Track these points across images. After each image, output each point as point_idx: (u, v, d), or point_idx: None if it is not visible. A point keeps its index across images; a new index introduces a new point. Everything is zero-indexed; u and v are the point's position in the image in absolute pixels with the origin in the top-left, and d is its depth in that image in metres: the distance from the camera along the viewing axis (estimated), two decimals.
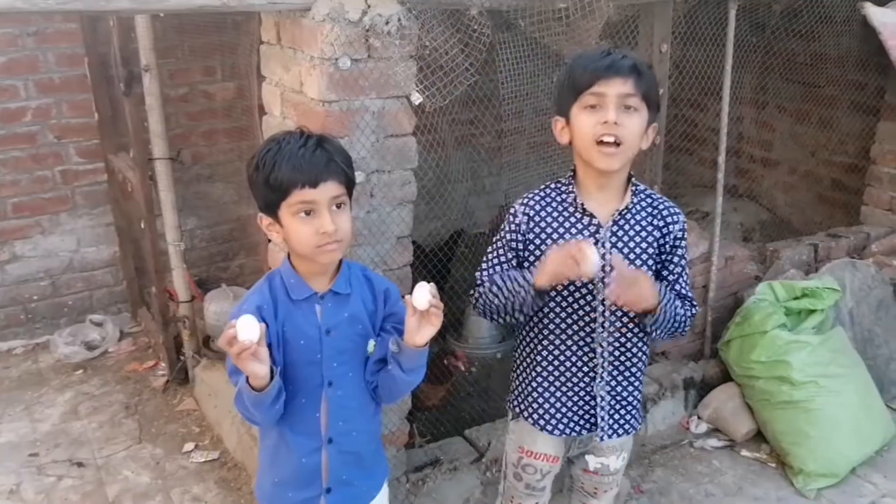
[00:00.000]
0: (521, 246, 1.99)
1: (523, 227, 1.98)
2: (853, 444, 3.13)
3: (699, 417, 3.44)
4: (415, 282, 2.59)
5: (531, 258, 1.98)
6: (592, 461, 2.17)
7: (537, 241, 1.97)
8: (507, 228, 2.01)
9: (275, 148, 1.71)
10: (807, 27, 3.66)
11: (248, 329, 1.57)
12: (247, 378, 1.66)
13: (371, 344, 1.86)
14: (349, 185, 1.77)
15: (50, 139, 4.00)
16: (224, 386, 3.33)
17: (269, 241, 2.22)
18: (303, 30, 2.23)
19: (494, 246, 2.04)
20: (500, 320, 2.02)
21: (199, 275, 4.20)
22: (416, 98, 2.34)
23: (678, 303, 1.98)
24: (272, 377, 1.67)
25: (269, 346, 1.70)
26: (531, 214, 1.98)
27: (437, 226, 4.07)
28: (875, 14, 3.46)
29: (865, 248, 3.91)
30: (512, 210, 2.02)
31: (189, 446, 3.27)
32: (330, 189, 1.70)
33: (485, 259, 2.06)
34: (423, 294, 1.67)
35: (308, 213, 1.70)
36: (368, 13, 2.19)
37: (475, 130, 3.83)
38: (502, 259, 2.02)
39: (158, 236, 3.54)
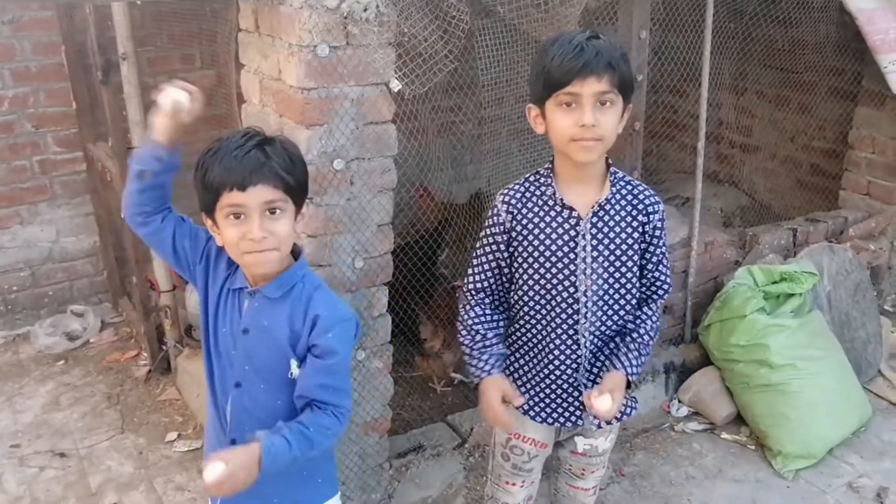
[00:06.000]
0: (506, 241, 2.00)
1: (507, 224, 1.98)
2: (831, 425, 3.18)
3: (679, 401, 3.47)
4: (397, 269, 2.60)
5: (518, 250, 1.99)
6: (581, 443, 2.19)
7: (523, 234, 1.97)
8: (491, 230, 2.01)
9: (215, 147, 1.65)
10: (785, 13, 3.68)
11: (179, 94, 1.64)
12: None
13: (294, 365, 1.74)
14: (291, 189, 1.66)
15: (27, 128, 3.96)
16: None
17: None
18: (280, 17, 2.22)
19: (481, 243, 2.04)
20: None
21: None
22: (396, 85, 2.34)
23: (644, 337, 2.05)
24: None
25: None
26: (514, 213, 1.98)
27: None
28: (852, 0, 3.48)
29: (843, 233, 3.95)
30: (494, 208, 2.01)
31: (172, 436, 3.27)
32: (261, 193, 1.61)
33: (471, 267, 2.06)
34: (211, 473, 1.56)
35: (238, 216, 1.63)
36: (346, 0, 2.18)
37: (456, 118, 3.83)
38: (486, 266, 2.03)
39: None
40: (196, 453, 3.16)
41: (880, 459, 3.18)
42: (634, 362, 2.01)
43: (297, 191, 1.69)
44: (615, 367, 2.01)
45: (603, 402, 1.88)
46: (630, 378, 2.00)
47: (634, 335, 2.05)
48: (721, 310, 3.33)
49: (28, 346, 3.96)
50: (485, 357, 2.02)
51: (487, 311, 2.06)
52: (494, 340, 2.05)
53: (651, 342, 2.07)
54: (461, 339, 2.08)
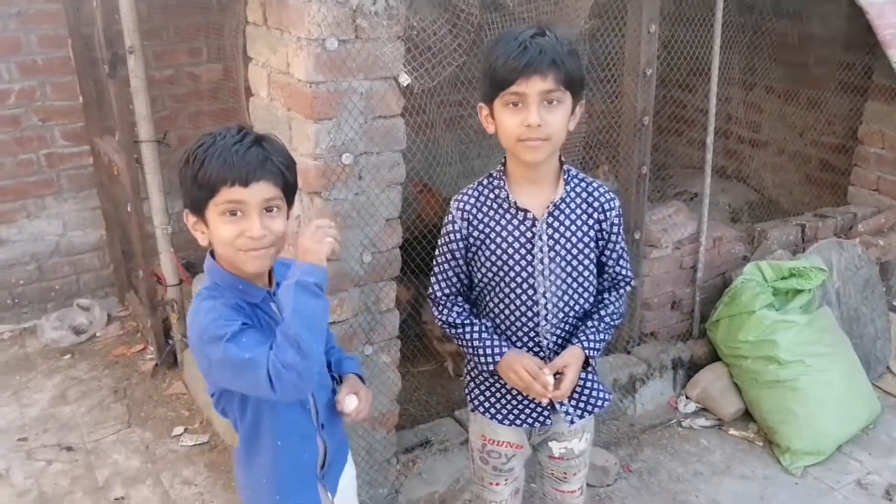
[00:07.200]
0: (463, 249, 1.99)
1: (463, 231, 1.97)
2: (839, 422, 3.16)
3: (687, 397, 3.46)
4: (405, 265, 2.60)
5: (476, 255, 1.98)
6: (556, 447, 2.17)
7: (480, 238, 1.97)
8: (448, 237, 2.00)
9: (208, 142, 1.60)
10: (795, 7, 3.66)
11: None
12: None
13: None
14: (287, 187, 1.65)
15: (34, 122, 3.96)
16: None
17: None
18: (289, 10, 2.21)
19: (441, 251, 2.04)
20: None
21: (186, 258, 4.17)
22: (405, 79, 2.33)
23: (606, 319, 2.03)
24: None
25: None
26: (469, 219, 1.97)
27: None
28: None
29: (852, 228, 3.93)
30: (450, 215, 2.00)
31: (178, 430, 3.27)
32: (262, 190, 1.58)
33: (434, 275, 2.06)
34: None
35: (234, 213, 1.59)
36: None
37: (464, 112, 3.81)
38: (449, 273, 2.03)
39: (145, 219, 3.51)
40: (202, 447, 3.16)
41: (889, 456, 3.16)
42: (592, 338, 1.99)
43: (292, 190, 1.68)
44: (572, 344, 1.99)
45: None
46: (587, 353, 1.97)
47: (595, 316, 2.03)
48: (729, 305, 3.32)
49: (34, 340, 3.97)
50: (489, 341, 1.99)
51: (466, 306, 2.05)
52: (488, 325, 2.02)
53: (613, 325, 2.05)
54: (456, 340, 2.05)
